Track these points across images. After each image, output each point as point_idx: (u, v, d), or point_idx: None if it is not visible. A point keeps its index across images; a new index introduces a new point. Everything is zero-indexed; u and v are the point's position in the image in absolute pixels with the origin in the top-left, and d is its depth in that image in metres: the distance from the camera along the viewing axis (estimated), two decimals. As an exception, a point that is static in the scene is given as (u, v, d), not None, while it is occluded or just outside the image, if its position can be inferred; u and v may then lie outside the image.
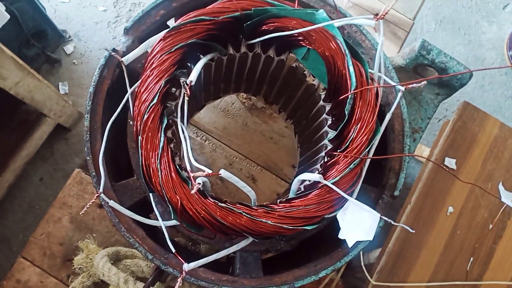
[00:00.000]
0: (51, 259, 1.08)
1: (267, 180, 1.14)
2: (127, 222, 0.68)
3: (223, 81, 0.92)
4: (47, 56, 1.96)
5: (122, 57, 0.70)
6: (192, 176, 0.59)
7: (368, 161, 0.69)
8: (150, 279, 0.79)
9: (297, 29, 0.69)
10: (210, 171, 0.57)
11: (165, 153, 0.63)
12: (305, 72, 0.78)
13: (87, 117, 0.70)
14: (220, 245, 0.71)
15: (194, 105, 0.95)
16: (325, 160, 0.72)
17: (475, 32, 2.33)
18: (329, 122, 0.77)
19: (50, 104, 1.68)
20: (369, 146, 0.67)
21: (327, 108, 0.77)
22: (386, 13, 0.67)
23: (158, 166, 0.62)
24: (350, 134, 0.68)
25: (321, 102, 0.78)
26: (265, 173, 1.14)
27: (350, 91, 0.67)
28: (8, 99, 1.57)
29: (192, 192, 0.57)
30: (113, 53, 0.70)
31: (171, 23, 0.73)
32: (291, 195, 0.71)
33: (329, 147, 0.76)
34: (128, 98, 0.69)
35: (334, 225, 0.67)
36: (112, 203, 0.64)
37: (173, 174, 0.62)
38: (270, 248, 0.73)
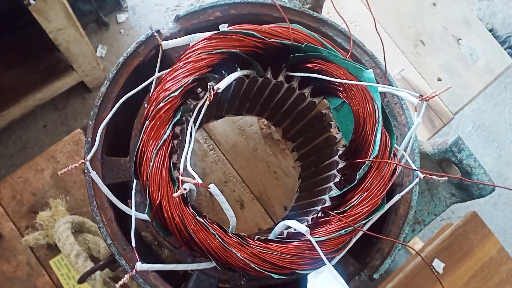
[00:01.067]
0: (18, 205, 1.05)
1: (255, 211, 1.11)
2: (101, 199, 0.65)
3: (249, 100, 0.90)
4: (98, 17, 1.98)
5: (163, 41, 0.69)
6: (181, 179, 0.57)
7: (360, 234, 0.65)
8: (101, 263, 0.75)
9: (340, 78, 0.67)
10: (200, 181, 0.54)
11: (165, 146, 0.61)
12: (332, 122, 0.76)
13: (106, 83, 0.69)
14: (182, 257, 0.68)
15: (212, 113, 0.93)
16: (318, 215, 0.69)
17: (508, 149, 2.30)
18: (337, 179, 0.74)
19: (82, 61, 1.68)
20: (367, 219, 0.64)
21: (340, 165, 0.74)
22: (432, 97, 0.65)
23: (153, 156, 0.60)
24: (352, 200, 0.65)
25: (336, 157, 0.75)
26: (255, 203, 1.11)
27: (369, 158, 0.64)
28: (45, 41, 1.58)
29: (175, 195, 0.54)
30: (155, 34, 0.69)
31: (223, 27, 0.72)
32: (271, 236, 0.67)
33: (327, 204, 0.72)
34: (152, 81, 0.67)
35: (302, 283, 0.63)
36: (93, 174, 0.62)
37: (164, 169, 0.60)
38: (229, 280, 0.69)
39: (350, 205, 0.64)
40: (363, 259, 0.73)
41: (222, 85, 0.62)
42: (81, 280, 0.80)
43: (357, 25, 1.23)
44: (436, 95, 0.64)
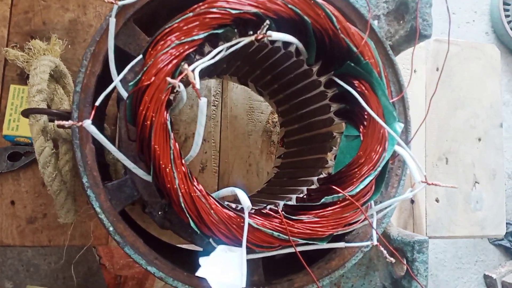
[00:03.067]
0: (25, 22, 1.01)
1: (209, 183, 1.07)
2: (100, 48, 0.62)
3: (278, 81, 0.87)
4: None
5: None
6: (184, 69, 0.53)
7: (288, 249, 0.62)
8: (55, 110, 0.71)
9: (372, 111, 0.65)
10: (197, 85, 0.51)
11: (187, 45, 0.58)
12: (334, 148, 0.74)
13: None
14: (128, 154, 0.64)
15: (242, 64, 0.90)
16: (266, 209, 0.66)
17: None
18: (301, 195, 0.71)
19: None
20: (303, 241, 0.61)
21: (312, 186, 0.72)
22: (434, 184, 0.63)
23: (170, 46, 0.57)
24: (303, 216, 0.62)
25: (314, 178, 0.73)
26: (214, 176, 1.08)
27: (346, 192, 0.62)
28: None
29: (169, 80, 0.50)
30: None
31: None
32: (214, 194, 0.64)
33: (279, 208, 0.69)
34: None
35: (208, 250, 0.60)
36: (112, 22, 0.58)
37: (173, 61, 0.57)
38: (148, 205, 0.65)
39: (298, 218, 0.61)
40: (271, 278, 0.69)
41: (277, 36, 0.60)
42: (25, 113, 0.75)
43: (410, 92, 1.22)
44: (439, 185, 0.62)
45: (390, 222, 0.77)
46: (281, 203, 0.70)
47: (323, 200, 0.62)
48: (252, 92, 1.11)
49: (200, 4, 0.60)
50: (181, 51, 0.58)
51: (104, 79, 0.63)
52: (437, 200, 1.25)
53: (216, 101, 1.10)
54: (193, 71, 0.55)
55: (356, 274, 0.75)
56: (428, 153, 1.25)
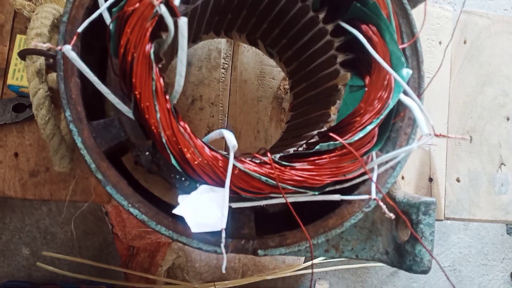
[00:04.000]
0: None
1: (214, 145, 1.03)
2: None
3: (286, 43, 0.83)
4: None
5: None
6: None
7: (278, 200, 0.58)
8: (48, 50, 0.70)
9: (378, 55, 0.60)
10: (178, 3, 0.47)
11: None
12: (338, 101, 0.69)
13: None
14: (116, 92, 0.61)
15: (248, 14, 0.86)
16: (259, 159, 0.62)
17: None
18: (300, 149, 0.67)
19: None
20: (294, 188, 0.56)
21: (311, 140, 0.67)
22: (443, 136, 0.57)
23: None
24: (295, 163, 0.57)
25: (314, 132, 0.68)
26: (221, 141, 1.04)
27: (343, 140, 0.57)
28: None
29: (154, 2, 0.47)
30: None
31: None
32: (204, 138, 0.60)
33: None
34: None
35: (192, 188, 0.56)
36: None
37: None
38: (135, 147, 0.62)
39: (289, 165, 0.57)
40: (262, 233, 0.65)
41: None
42: (22, 53, 0.74)
43: (434, 66, 1.15)
44: (448, 136, 0.56)
45: (397, 184, 0.71)
46: (278, 155, 0.66)
47: (317, 147, 0.57)
48: (264, 56, 1.07)
49: None
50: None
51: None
52: (458, 180, 1.17)
53: (226, 63, 1.06)
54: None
55: (357, 237, 0.70)
56: (451, 130, 1.18)
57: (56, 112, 0.78)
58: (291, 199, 0.59)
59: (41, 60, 0.75)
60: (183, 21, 0.46)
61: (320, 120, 0.72)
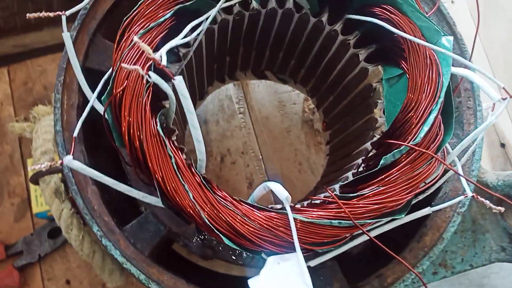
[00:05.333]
0: (26, 93, 0.98)
1: (261, 198, 0.94)
2: (72, 78, 0.53)
3: (295, 57, 0.75)
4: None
5: None
6: (150, 56, 0.42)
7: (362, 238, 0.48)
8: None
9: (407, 34, 0.50)
10: (165, 63, 0.40)
11: (156, 31, 0.47)
12: (379, 101, 0.59)
13: None
14: (137, 185, 0.54)
15: (249, 61, 0.78)
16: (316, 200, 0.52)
17: None
18: (360, 168, 0.57)
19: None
20: (374, 220, 0.46)
21: (370, 147, 0.57)
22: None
23: (136, 36, 0.47)
24: (364, 190, 0.47)
25: (368, 144, 0.58)
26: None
27: (407, 143, 0.47)
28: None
29: (130, 66, 0.39)
30: None
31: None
32: (249, 199, 0.51)
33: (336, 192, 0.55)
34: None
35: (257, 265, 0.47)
36: (66, 35, 0.49)
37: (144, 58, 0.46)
38: (181, 236, 0.54)
39: (358, 193, 0.47)
40: (355, 280, 0.55)
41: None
42: (34, 179, 0.69)
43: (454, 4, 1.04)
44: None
45: (482, 167, 0.60)
46: (336, 186, 0.56)
47: (382, 162, 0.47)
48: (277, 85, 0.99)
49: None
50: (150, 39, 0.47)
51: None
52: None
53: (241, 107, 0.99)
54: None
55: (463, 244, 0.58)
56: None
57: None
58: (376, 231, 0.49)
59: (55, 179, 0.69)
60: (179, 81, 0.38)
61: (367, 128, 0.62)
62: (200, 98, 0.81)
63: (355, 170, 0.56)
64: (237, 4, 0.56)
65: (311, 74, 0.77)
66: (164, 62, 0.39)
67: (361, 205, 0.46)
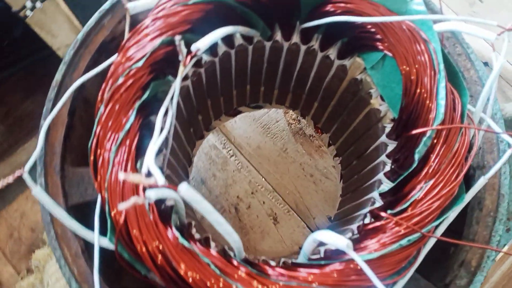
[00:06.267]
0: (16, 244, 0.90)
1: (292, 226, 0.90)
2: (62, 227, 0.47)
3: (264, 82, 0.70)
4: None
5: (129, 2, 0.51)
6: (142, 184, 0.37)
7: (432, 242, 0.43)
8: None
9: (376, 17, 0.46)
10: (162, 181, 0.35)
11: (128, 140, 0.42)
12: (371, 91, 0.55)
13: (61, 68, 0.52)
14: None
15: (220, 107, 0.74)
16: (366, 220, 0.48)
17: None
18: (387, 168, 0.53)
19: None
20: (440, 219, 0.42)
21: (389, 148, 0.53)
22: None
23: (112, 156, 0.41)
24: (414, 193, 0.43)
25: (383, 137, 0.54)
26: (291, 215, 0.90)
27: (432, 125, 0.43)
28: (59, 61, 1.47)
29: (125, 205, 0.34)
30: (120, -4, 0.52)
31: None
32: (300, 258, 0.46)
33: (377, 203, 0.51)
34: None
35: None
36: (38, 190, 0.43)
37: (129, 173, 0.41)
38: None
39: (411, 200, 0.42)
40: (440, 278, 0.50)
41: (202, 43, 0.43)
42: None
43: None
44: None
45: (501, 104, 0.56)
46: (375, 194, 0.52)
47: (416, 156, 0.43)
48: (252, 113, 0.95)
49: (104, 89, 0.44)
50: (127, 151, 0.42)
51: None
52: (507, 41, 1.01)
53: (230, 150, 0.94)
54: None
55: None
56: (455, 8, 1.03)
57: None
58: (442, 227, 0.44)
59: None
60: (185, 190, 0.33)
61: (372, 121, 0.58)
62: (189, 165, 0.75)
63: (387, 169, 0.52)
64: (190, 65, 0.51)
65: (285, 91, 0.72)
66: (161, 181, 0.34)
67: (419, 211, 0.41)
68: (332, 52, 0.56)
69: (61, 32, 1.31)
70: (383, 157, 0.54)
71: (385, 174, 0.52)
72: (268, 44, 0.57)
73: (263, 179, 0.92)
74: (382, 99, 0.54)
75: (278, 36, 0.56)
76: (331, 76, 0.60)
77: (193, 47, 0.43)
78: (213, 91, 0.65)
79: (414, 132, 0.43)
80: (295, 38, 0.56)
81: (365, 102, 0.57)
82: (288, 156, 0.94)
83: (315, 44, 0.56)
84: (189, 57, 0.43)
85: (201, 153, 0.93)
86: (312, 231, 0.90)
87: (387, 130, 0.54)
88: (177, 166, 0.62)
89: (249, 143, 0.94)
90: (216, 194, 0.90)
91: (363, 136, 0.62)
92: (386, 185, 0.50)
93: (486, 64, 0.99)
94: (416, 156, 0.43)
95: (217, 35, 0.45)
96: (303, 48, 0.57)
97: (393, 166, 0.51)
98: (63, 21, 1.29)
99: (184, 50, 0.41)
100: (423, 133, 0.43)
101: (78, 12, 1.60)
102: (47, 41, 1.32)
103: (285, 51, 0.59)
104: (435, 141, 0.43)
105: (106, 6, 0.54)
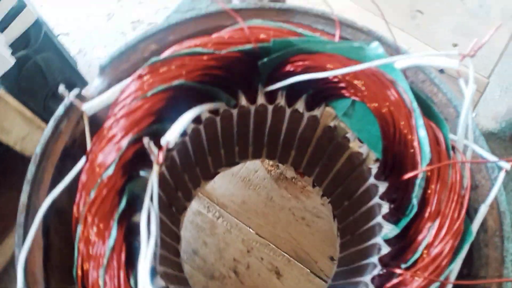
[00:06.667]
0: None
1: (296, 276, 0.87)
2: None
3: (237, 143, 0.69)
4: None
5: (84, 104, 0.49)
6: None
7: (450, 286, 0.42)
8: None
9: (336, 69, 0.46)
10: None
11: (115, 256, 0.39)
12: (348, 135, 0.54)
13: (25, 190, 0.49)
14: None
15: (196, 175, 0.71)
16: (379, 272, 0.46)
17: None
18: (384, 209, 0.51)
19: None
20: (456, 260, 0.40)
21: (381, 189, 0.52)
22: (477, 49, 0.43)
23: (101, 277, 0.38)
24: (421, 236, 0.42)
25: (372, 179, 0.53)
26: (293, 265, 0.87)
27: (421, 167, 0.42)
28: (15, 156, 1.42)
29: None
30: (73, 100, 0.49)
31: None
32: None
33: (383, 250, 0.49)
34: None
35: None
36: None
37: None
38: None
39: (422, 246, 0.41)
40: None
41: (171, 136, 0.41)
42: None
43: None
44: (481, 46, 0.42)
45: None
46: (379, 240, 0.50)
47: (414, 200, 0.42)
48: (230, 170, 0.92)
49: (77, 206, 0.41)
50: (117, 279, 0.39)
51: None
52: (455, 45, 1.04)
53: (215, 212, 0.91)
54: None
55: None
56: (399, 24, 1.06)
57: None
58: (457, 265, 0.43)
59: None
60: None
61: (355, 164, 0.57)
62: (178, 243, 0.72)
63: (384, 211, 0.50)
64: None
65: (259, 146, 0.71)
66: None
67: (433, 257, 0.40)
68: (300, 106, 0.55)
69: (14, 127, 1.27)
70: (376, 199, 0.52)
71: (383, 216, 0.51)
72: (235, 111, 0.55)
73: (256, 234, 0.89)
74: (361, 141, 0.53)
75: (243, 101, 0.54)
76: (303, 127, 0.59)
77: (163, 142, 0.41)
78: (188, 165, 0.63)
79: (406, 177, 0.42)
80: (261, 100, 0.55)
81: (344, 146, 0.56)
82: (275, 204, 0.92)
83: (281, 101, 0.55)
84: (161, 154, 0.40)
85: (186, 222, 0.89)
86: (317, 276, 0.87)
87: (374, 171, 0.53)
88: (168, 254, 0.58)
89: (233, 200, 0.92)
90: (211, 261, 0.87)
91: (349, 178, 0.61)
92: (389, 229, 0.49)
93: (442, 71, 1.02)
94: (415, 201, 0.42)
95: (184, 122, 0.44)
96: (270, 107, 0.56)
97: (391, 207, 0.49)
98: (14, 116, 1.25)
99: (155, 150, 0.38)
100: (415, 176, 0.42)
101: (27, 99, 1.56)
102: (2, 139, 1.27)
103: (253, 113, 0.57)
104: (429, 181, 0.42)
105: (59, 112, 0.51)
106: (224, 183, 0.93)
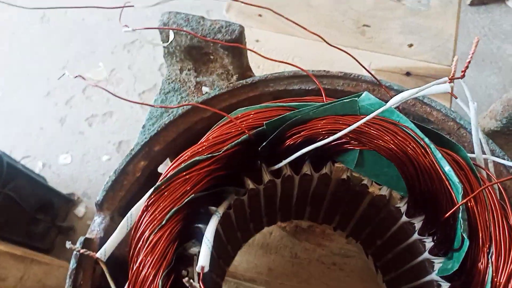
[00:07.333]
0: None
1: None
2: None
3: (250, 221, 0.67)
4: (58, 227, 1.78)
5: (98, 251, 0.46)
6: None
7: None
8: None
9: (333, 131, 0.45)
10: None
11: None
12: (365, 182, 0.53)
13: None
14: None
15: (220, 265, 0.69)
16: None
17: (501, 57, 2.11)
18: (427, 243, 0.50)
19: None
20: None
21: (417, 225, 0.50)
22: (465, 70, 0.43)
23: None
24: (481, 266, 0.40)
25: (404, 218, 0.52)
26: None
27: (457, 201, 0.41)
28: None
29: None
30: (82, 250, 0.46)
31: (163, 169, 0.51)
32: None
33: (443, 286, 0.47)
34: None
35: None
36: None
37: None
38: None
39: (489, 280, 0.39)
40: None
41: (204, 261, 0.39)
42: None
43: (295, 57, 1.04)
44: (455, 65, 0.43)
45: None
46: (435, 277, 0.48)
47: (464, 233, 0.40)
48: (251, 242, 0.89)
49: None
50: None
51: None
52: (410, 45, 1.07)
53: (246, 289, 0.87)
54: None
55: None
56: (353, 44, 1.08)
57: None
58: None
59: None
60: None
61: (381, 207, 0.55)
62: None
63: (428, 244, 0.49)
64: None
65: (273, 216, 0.69)
66: None
67: (504, 282, 0.38)
68: (307, 169, 0.54)
69: (9, 272, 1.21)
70: (415, 236, 0.51)
71: (430, 251, 0.49)
72: (245, 198, 0.54)
73: (291, 293, 0.86)
74: (379, 184, 0.52)
75: (251, 185, 0.53)
76: (315, 187, 0.58)
77: (198, 268, 0.39)
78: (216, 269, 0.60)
79: (446, 215, 0.41)
80: (267, 177, 0.53)
81: (363, 193, 0.55)
82: (302, 260, 0.89)
83: (287, 171, 0.54)
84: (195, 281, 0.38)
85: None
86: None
87: (403, 208, 0.51)
88: None
89: (260, 271, 0.88)
90: None
91: (377, 219, 0.60)
92: (443, 265, 0.47)
93: (408, 74, 1.04)
94: (465, 234, 0.40)
95: (208, 244, 0.41)
96: (278, 181, 0.54)
97: (435, 241, 0.48)
98: (5, 260, 1.20)
99: (197, 285, 0.36)
100: (455, 211, 0.41)
101: (10, 232, 1.50)
102: (0, 286, 1.21)
103: (262, 192, 0.56)
104: (470, 211, 0.41)
105: (72, 265, 0.48)
106: (244, 257, 0.90)
